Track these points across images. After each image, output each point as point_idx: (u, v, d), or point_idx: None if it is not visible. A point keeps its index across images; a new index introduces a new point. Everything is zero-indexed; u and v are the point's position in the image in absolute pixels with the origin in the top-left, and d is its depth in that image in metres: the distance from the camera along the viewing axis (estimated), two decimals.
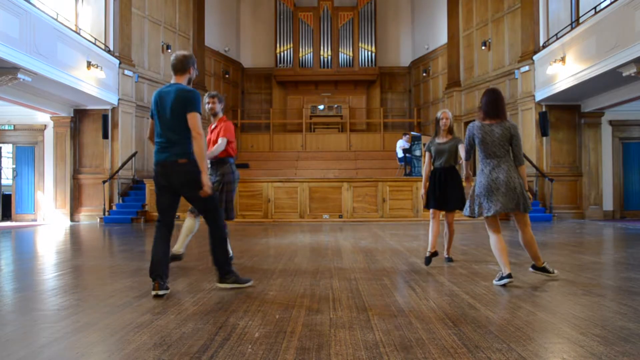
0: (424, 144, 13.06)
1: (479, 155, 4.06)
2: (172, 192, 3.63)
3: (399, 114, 19.74)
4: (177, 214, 3.88)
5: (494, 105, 3.91)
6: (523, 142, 12.77)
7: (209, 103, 4.96)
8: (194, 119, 3.48)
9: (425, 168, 5.12)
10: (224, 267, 3.73)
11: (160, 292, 3.46)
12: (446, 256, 5.16)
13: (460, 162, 4.97)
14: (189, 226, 4.98)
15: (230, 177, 4.98)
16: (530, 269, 4.17)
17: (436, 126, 5.10)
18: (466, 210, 4.05)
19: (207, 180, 3.53)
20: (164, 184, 3.60)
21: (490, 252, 5.91)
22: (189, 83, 3.75)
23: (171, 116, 3.52)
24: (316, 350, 2.33)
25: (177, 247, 4.91)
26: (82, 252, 6.64)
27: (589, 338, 2.50)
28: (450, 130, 5.05)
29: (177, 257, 4.92)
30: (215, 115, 5.00)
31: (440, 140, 5.04)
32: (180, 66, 3.66)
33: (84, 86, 10.80)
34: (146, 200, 12.15)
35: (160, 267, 3.50)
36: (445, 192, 4.92)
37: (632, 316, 2.90)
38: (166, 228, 3.67)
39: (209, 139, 4.96)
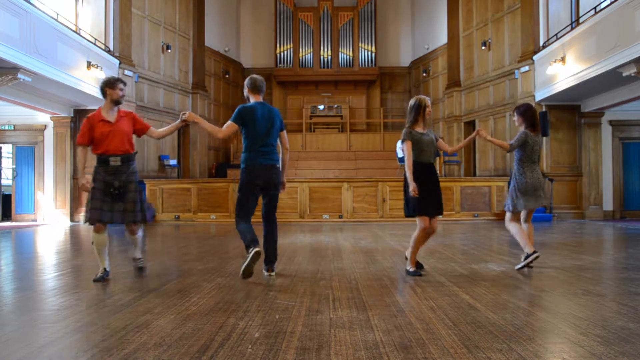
0: None
1: (522, 157, 4.71)
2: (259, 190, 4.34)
3: (399, 114, 19.73)
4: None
5: (537, 119, 4.77)
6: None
7: (122, 90, 4.28)
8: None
9: (408, 161, 4.33)
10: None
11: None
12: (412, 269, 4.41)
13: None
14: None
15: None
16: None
17: (415, 114, 4.40)
18: (508, 206, 4.75)
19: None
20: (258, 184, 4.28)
21: (490, 252, 5.92)
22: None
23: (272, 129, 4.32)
24: (316, 350, 2.33)
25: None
26: (82, 252, 6.64)
27: (589, 338, 2.50)
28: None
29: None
30: (118, 103, 4.27)
31: (421, 130, 4.41)
32: (261, 87, 4.56)
33: (84, 86, 10.80)
34: (146, 201, 12.14)
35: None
36: (438, 194, 4.39)
37: (632, 316, 2.90)
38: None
39: (117, 130, 4.20)
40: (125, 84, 4.37)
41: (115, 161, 4.19)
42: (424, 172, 4.34)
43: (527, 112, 4.72)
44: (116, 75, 4.53)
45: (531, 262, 4.50)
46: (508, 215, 4.83)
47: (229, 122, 4.24)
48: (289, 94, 19.53)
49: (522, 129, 4.73)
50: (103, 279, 4.15)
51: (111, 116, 4.23)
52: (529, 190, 4.64)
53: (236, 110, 4.32)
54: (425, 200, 4.27)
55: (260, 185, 4.27)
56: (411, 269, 4.36)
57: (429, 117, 4.48)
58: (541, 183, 4.70)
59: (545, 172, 12.23)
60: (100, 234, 4.18)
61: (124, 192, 4.18)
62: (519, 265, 4.58)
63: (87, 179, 4.15)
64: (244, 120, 4.27)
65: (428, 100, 4.52)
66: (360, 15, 18.83)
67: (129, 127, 4.30)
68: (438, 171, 4.34)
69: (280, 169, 4.39)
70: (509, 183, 4.99)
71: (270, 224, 4.44)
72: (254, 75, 4.58)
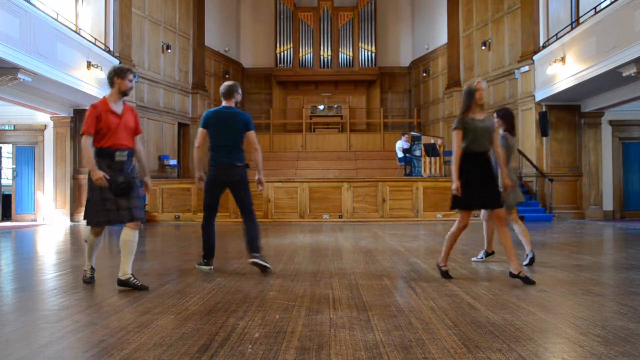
0: (424, 144, 13.13)
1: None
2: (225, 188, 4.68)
3: (399, 114, 19.74)
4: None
5: (514, 123, 5.08)
6: (523, 142, 12.86)
7: (132, 81, 4.03)
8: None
9: (456, 152, 4.07)
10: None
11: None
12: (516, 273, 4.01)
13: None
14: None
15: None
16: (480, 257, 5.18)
17: (467, 99, 4.12)
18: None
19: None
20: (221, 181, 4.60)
21: None
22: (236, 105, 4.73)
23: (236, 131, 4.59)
24: (316, 351, 2.33)
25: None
26: (82, 252, 6.64)
27: (589, 338, 2.50)
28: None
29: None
30: (125, 95, 4.03)
31: (476, 116, 4.09)
32: (228, 93, 4.66)
33: (84, 86, 10.80)
34: (146, 201, 12.15)
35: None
36: (491, 185, 4.08)
37: (632, 316, 2.90)
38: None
39: (124, 123, 3.96)
40: (134, 75, 4.14)
41: (121, 156, 3.88)
42: (474, 161, 4.03)
43: (506, 116, 4.96)
44: (126, 65, 4.18)
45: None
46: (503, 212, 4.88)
47: (199, 129, 4.66)
48: (289, 94, 19.53)
49: (500, 131, 4.88)
50: (93, 280, 4.09)
51: (118, 108, 3.94)
52: (515, 188, 4.91)
53: (202, 116, 4.73)
54: (469, 192, 3.97)
55: (224, 183, 4.62)
56: (442, 267, 4.24)
57: (480, 101, 4.08)
58: (517, 182, 5.06)
59: (545, 172, 12.23)
60: (98, 236, 4.03)
61: (129, 188, 3.87)
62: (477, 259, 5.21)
63: (101, 172, 3.78)
64: (207, 123, 4.62)
65: (481, 83, 4.09)
66: (360, 15, 18.83)
67: (133, 122, 4.04)
68: (454, 169, 4.01)
69: (244, 168, 4.64)
70: None
71: (247, 223, 4.64)
72: (225, 82, 4.80)
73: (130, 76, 3.97)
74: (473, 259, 5.31)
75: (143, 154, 4.24)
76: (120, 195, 3.84)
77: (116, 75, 3.92)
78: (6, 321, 2.95)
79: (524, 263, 4.86)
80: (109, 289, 3.84)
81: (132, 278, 3.79)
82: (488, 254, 5.25)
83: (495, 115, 4.99)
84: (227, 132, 4.56)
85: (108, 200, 3.81)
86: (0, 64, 8.29)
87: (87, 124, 3.83)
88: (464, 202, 4.05)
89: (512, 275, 4.00)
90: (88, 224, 3.98)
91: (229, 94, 4.65)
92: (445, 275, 4.18)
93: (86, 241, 4.09)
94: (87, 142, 3.84)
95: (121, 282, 3.79)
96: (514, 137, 4.97)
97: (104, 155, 3.86)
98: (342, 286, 3.86)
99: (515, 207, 5.01)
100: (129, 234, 3.87)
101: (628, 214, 12.49)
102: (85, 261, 4.13)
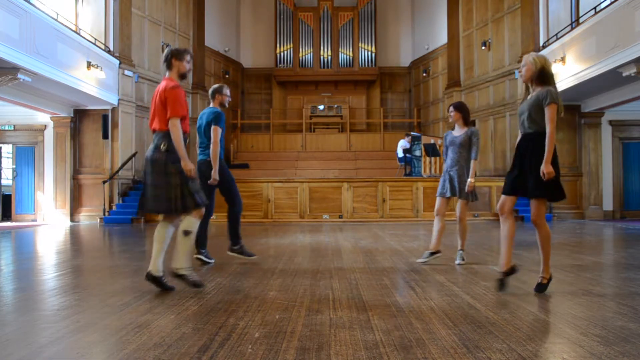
0: (424, 144, 13.13)
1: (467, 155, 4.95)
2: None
3: (399, 114, 19.74)
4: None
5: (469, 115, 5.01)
6: None
7: (189, 62, 3.81)
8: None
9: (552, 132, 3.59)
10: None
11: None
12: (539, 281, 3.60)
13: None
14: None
15: None
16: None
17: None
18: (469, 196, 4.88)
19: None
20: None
21: (490, 252, 5.92)
22: (221, 106, 5.21)
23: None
24: (316, 351, 2.33)
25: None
26: (82, 252, 6.64)
27: (589, 338, 2.50)
28: (536, 80, 3.57)
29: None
30: (184, 77, 3.84)
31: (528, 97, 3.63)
32: (210, 95, 5.26)
33: (84, 86, 10.80)
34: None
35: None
36: (523, 170, 3.52)
37: (632, 316, 2.90)
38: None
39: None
40: (192, 56, 3.82)
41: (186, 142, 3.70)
42: (519, 144, 3.63)
43: (462, 107, 4.94)
44: (182, 47, 3.91)
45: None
46: (463, 206, 4.98)
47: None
48: (289, 94, 19.53)
49: (462, 125, 4.90)
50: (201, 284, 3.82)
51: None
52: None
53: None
54: (507, 177, 3.60)
55: (205, 179, 4.89)
56: (501, 271, 3.59)
57: (522, 77, 3.66)
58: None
59: None
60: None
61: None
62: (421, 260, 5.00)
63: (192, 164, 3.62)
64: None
65: (529, 56, 3.59)
66: (360, 15, 18.83)
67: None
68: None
69: (208, 162, 4.94)
70: (456, 178, 4.95)
71: (227, 213, 5.16)
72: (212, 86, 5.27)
73: (188, 57, 3.74)
74: (418, 260, 5.09)
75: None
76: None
77: (174, 57, 3.69)
78: (6, 321, 2.95)
79: (457, 262, 4.94)
80: (109, 289, 3.84)
81: (186, 271, 3.75)
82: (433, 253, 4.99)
83: (450, 108, 5.00)
84: (201, 130, 5.09)
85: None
86: (0, 64, 8.29)
87: (181, 105, 3.53)
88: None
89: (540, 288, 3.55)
90: (196, 207, 3.62)
91: (210, 95, 5.31)
92: (500, 284, 3.58)
93: (189, 233, 3.68)
94: (179, 127, 3.53)
95: (175, 275, 3.76)
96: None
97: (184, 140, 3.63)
98: (342, 286, 3.86)
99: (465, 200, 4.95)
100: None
101: (628, 214, 12.50)
102: (185, 260, 3.73)
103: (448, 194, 4.95)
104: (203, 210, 3.72)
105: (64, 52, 10.07)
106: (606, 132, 12.51)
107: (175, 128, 3.53)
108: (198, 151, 5.18)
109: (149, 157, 3.64)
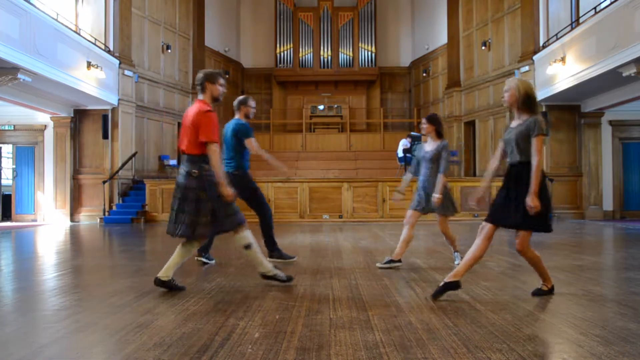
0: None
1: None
2: None
3: (399, 114, 19.74)
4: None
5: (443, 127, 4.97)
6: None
7: (223, 85, 3.82)
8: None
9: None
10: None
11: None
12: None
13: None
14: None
15: None
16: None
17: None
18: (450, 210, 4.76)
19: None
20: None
21: (490, 252, 5.91)
22: (246, 117, 5.14)
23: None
24: (316, 351, 2.33)
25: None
26: (82, 252, 6.64)
27: (589, 338, 2.50)
28: (521, 107, 3.49)
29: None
30: (217, 100, 3.88)
31: (514, 123, 3.64)
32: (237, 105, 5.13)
33: (84, 86, 10.80)
34: (146, 201, 12.15)
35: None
36: (510, 199, 3.42)
37: (632, 316, 2.90)
38: None
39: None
40: (225, 79, 3.85)
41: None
42: (507, 173, 3.64)
43: (435, 120, 4.82)
44: (216, 70, 3.88)
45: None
46: (443, 221, 4.83)
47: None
48: (289, 94, 19.52)
49: (435, 138, 4.77)
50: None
51: None
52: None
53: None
54: (492, 206, 3.51)
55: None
56: (445, 281, 3.42)
57: (504, 102, 3.65)
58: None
59: (545, 172, 12.24)
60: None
61: None
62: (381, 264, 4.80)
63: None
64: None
65: (513, 81, 3.55)
66: (360, 15, 18.83)
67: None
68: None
69: (234, 175, 4.86)
70: (426, 189, 4.81)
71: (260, 223, 5.30)
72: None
73: (222, 80, 3.76)
74: (378, 264, 4.90)
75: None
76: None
77: (207, 81, 3.71)
78: (6, 321, 2.95)
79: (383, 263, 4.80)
80: (109, 289, 3.84)
81: (273, 271, 3.89)
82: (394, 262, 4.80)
83: (423, 120, 4.84)
84: (225, 143, 5.08)
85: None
86: (0, 64, 8.30)
87: (214, 130, 3.57)
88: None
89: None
90: (239, 227, 3.72)
91: (234, 107, 5.19)
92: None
93: (250, 245, 3.78)
94: (218, 152, 3.59)
95: (265, 277, 3.88)
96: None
97: (208, 162, 3.64)
98: (342, 286, 3.86)
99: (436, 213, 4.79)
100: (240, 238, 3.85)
101: (628, 214, 12.50)
102: (264, 263, 3.87)
103: (422, 210, 4.81)
104: (246, 223, 3.80)
105: (64, 52, 10.07)
106: (606, 132, 12.51)
107: (215, 154, 3.56)
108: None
109: (181, 183, 3.64)
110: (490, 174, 3.83)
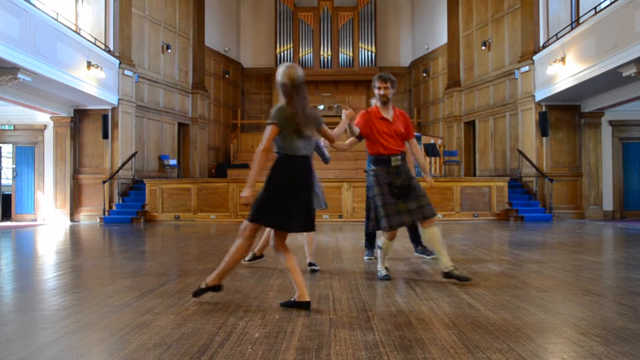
0: (424, 144, 13.13)
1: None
2: None
3: None
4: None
5: None
6: (523, 142, 12.85)
7: (380, 88, 4.07)
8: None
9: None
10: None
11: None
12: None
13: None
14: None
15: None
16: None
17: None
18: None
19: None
20: None
21: (490, 252, 5.91)
22: None
23: None
24: (316, 350, 2.33)
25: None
26: (82, 252, 6.64)
27: (589, 338, 2.50)
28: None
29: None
30: (386, 103, 4.13)
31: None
32: None
33: (84, 86, 10.80)
34: (146, 201, 12.15)
35: None
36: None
37: (632, 316, 2.90)
38: None
39: (393, 130, 4.07)
40: (385, 80, 4.05)
41: (396, 161, 4.03)
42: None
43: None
44: (381, 73, 4.12)
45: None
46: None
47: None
48: None
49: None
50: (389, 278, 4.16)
51: (388, 114, 4.11)
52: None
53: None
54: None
55: None
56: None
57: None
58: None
59: (545, 172, 12.24)
60: (392, 240, 4.12)
61: (409, 189, 3.97)
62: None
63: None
64: None
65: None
66: (360, 15, 18.82)
67: (403, 128, 4.15)
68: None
69: None
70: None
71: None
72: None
73: (377, 83, 4.06)
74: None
75: (421, 154, 4.35)
76: (401, 198, 3.94)
77: (373, 86, 4.13)
78: (6, 321, 2.95)
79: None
80: (109, 289, 3.84)
81: (455, 269, 3.94)
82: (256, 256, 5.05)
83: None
84: None
85: (389, 205, 3.90)
86: (0, 64, 8.30)
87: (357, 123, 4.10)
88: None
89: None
90: (384, 229, 3.95)
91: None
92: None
93: (380, 247, 4.18)
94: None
95: (446, 274, 3.93)
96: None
97: (380, 163, 4.04)
98: (342, 286, 3.86)
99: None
100: (432, 231, 3.96)
101: (628, 214, 12.50)
102: (381, 263, 4.23)
103: None
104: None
105: (64, 52, 10.07)
106: (606, 132, 12.51)
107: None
108: None
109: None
110: None
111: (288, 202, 3.12)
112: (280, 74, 3.21)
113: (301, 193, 3.17)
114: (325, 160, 4.96)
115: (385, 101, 4.07)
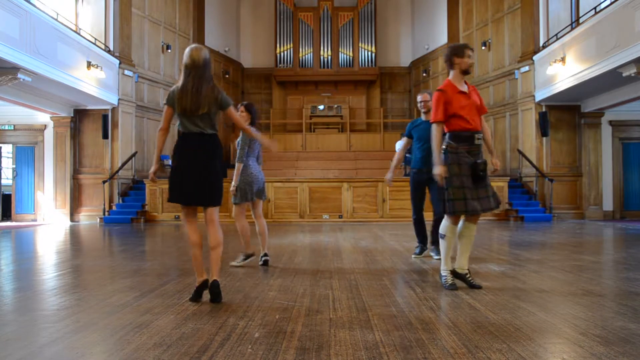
0: None
1: (248, 153, 4.87)
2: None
3: (399, 114, 19.73)
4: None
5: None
6: (523, 142, 12.86)
7: (471, 56, 3.75)
8: None
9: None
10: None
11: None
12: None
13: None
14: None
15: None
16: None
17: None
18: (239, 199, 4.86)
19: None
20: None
21: (490, 252, 5.91)
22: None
23: None
24: (316, 351, 2.33)
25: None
26: (82, 252, 6.64)
27: (589, 338, 2.49)
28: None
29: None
30: (467, 73, 3.77)
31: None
32: None
33: (84, 86, 10.80)
34: (146, 201, 12.15)
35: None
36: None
37: (632, 316, 2.90)
38: None
39: (472, 104, 3.72)
40: (473, 50, 3.76)
41: (479, 139, 3.62)
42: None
43: (252, 108, 4.82)
44: (463, 43, 3.88)
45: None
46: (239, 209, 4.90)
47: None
48: (289, 94, 19.52)
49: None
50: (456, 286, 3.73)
51: (464, 88, 3.72)
52: (253, 185, 4.79)
53: None
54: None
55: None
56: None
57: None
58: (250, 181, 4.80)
59: (545, 172, 12.24)
60: (456, 225, 3.70)
61: (485, 173, 3.58)
62: (236, 263, 4.92)
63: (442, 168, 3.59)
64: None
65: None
66: (360, 16, 18.82)
67: (479, 101, 3.76)
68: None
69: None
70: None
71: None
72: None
73: (469, 52, 3.69)
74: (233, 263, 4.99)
75: (489, 133, 3.87)
76: (479, 182, 3.57)
77: (455, 55, 3.69)
78: (6, 321, 2.95)
79: (259, 263, 4.95)
80: (109, 289, 3.84)
81: (468, 274, 3.75)
82: (248, 255, 5.04)
83: (240, 106, 4.77)
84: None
85: (467, 189, 3.54)
86: (0, 64, 8.30)
87: (435, 111, 3.63)
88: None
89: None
90: (450, 213, 3.63)
91: None
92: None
93: (443, 237, 3.72)
94: (439, 131, 3.63)
95: (456, 275, 3.76)
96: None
97: (462, 140, 3.60)
98: (342, 286, 3.86)
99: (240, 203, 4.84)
100: (472, 229, 3.71)
101: (628, 214, 12.50)
102: (444, 265, 3.78)
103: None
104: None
105: (64, 52, 10.07)
106: (606, 132, 12.51)
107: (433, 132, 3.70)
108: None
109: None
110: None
111: (181, 177, 3.42)
112: (184, 54, 3.43)
113: (190, 168, 3.40)
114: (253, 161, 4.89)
115: (470, 72, 3.74)
